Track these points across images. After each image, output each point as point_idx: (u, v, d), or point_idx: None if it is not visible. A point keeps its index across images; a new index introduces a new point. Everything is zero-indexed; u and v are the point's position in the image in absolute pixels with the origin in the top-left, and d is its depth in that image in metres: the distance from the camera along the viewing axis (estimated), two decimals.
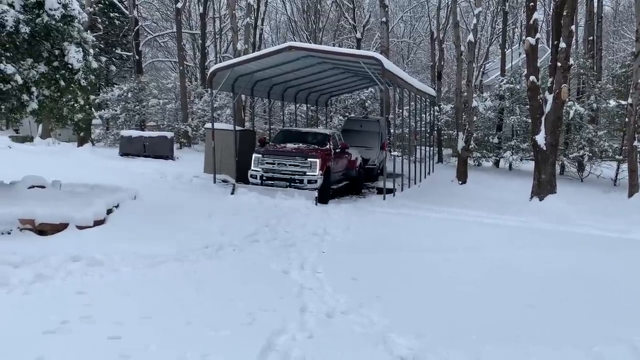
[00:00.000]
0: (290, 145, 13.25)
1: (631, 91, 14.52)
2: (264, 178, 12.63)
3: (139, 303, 4.86)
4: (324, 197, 12.25)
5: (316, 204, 11.68)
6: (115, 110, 23.77)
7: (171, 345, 3.95)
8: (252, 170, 12.82)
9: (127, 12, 26.62)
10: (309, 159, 12.54)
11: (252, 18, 26.70)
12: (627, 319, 5.14)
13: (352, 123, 17.91)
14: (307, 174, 12.42)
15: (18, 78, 7.57)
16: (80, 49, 8.37)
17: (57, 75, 8.20)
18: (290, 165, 12.64)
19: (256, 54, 14.95)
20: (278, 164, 12.69)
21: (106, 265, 5.94)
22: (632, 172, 14.31)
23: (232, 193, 12.26)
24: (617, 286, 6.37)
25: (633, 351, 4.27)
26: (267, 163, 12.74)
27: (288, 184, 12.42)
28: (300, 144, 13.33)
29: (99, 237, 7.03)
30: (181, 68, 25.12)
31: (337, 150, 13.56)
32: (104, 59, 11.45)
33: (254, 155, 12.92)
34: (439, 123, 22.28)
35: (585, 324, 4.99)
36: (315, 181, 12.38)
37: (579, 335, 4.66)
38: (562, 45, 12.99)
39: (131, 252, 6.44)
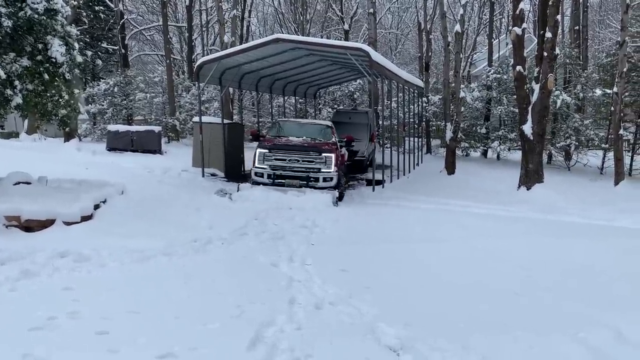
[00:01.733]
0: (295, 139, 12.14)
1: (616, 80, 14.64)
2: (273, 176, 11.39)
3: (126, 298, 4.84)
4: (340, 196, 11.40)
5: (336, 204, 10.74)
6: (102, 105, 23.56)
7: (159, 339, 3.95)
8: (257, 167, 11.54)
9: (112, 5, 26.32)
10: (323, 154, 11.41)
11: (239, 10, 26.56)
12: (613, 306, 5.21)
13: (341, 115, 17.89)
14: (322, 170, 11.36)
15: (1, 72, 7.47)
16: (64, 43, 8.29)
17: (41, 69, 8.11)
18: (303, 161, 11.41)
19: (243, 46, 14.87)
20: (289, 160, 11.42)
21: (93, 260, 5.91)
22: (618, 161, 14.46)
23: (231, 197, 10.95)
24: (603, 273, 6.45)
25: (617, 336, 4.34)
26: (276, 159, 11.46)
27: (303, 182, 11.27)
28: (305, 137, 12.26)
29: (86, 233, 6.99)
30: (168, 61, 24.92)
31: (341, 144, 12.62)
32: (89, 53, 11.28)
33: (257, 151, 11.63)
34: (427, 114, 22.31)
35: (571, 311, 5.05)
36: (331, 178, 11.36)
37: (565, 322, 4.71)
38: (548, 35, 13.05)
39: (119, 247, 6.41)
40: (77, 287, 5.02)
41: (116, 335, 3.98)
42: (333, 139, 12.41)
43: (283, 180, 11.33)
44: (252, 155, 11.99)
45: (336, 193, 11.03)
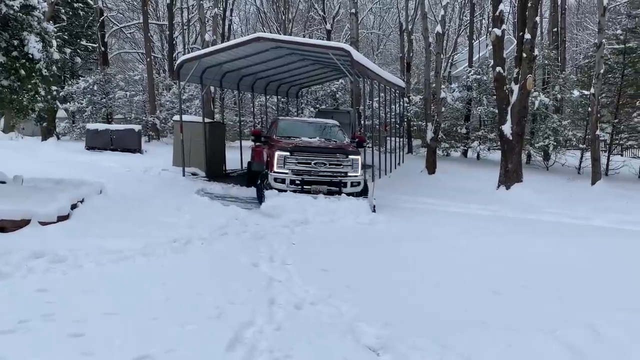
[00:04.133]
0: (313, 140, 11.20)
1: (593, 81, 14.87)
2: (297, 182, 10.14)
3: (103, 299, 4.76)
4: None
5: (374, 211, 9.77)
6: (81, 103, 23.26)
7: (136, 341, 3.88)
8: (277, 172, 10.26)
9: (91, 2, 25.96)
10: (350, 157, 10.36)
11: (221, 9, 26.37)
12: (589, 304, 5.28)
13: (323, 115, 17.88)
14: (349, 175, 10.32)
15: None
16: (41, 40, 8.14)
17: (17, 65, 7.95)
18: (330, 165, 10.29)
19: (225, 44, 14.77)
20: (315, 163, 10.24)
21: (69, 261, 5.79)
22: (595, 161, 14.69)
23: (262, 201, 9.73)
24: (580, 272, 6.53)
25: (593, 334, 4.39)
26: (300, 163, 10.24)
27: (330, 188, 10.19)
28: (319, 138, 11.40)
29: (62, 233, 6.86)
30: (148, 60, 24.68)
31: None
32: (68, 50, 11.14)
33: (276, 154, 10.29)
34: (409, 114, 22.43)
35: (549, 309, 5.10)
36: (359, 183, 10.39)
37: (543, 320, 4.76)
38: (527, 36, 13.21)
39: (96, 247, 6.30)
40: (51, 288, 4.92)
41: (91, 337, 3.90)
42: (347, 139, 11.63)
43: (309, 187, 10.14)
44: (246, 155, 11.26)
45: (373, 200, 9.99)
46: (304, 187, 10.14)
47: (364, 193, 10.45)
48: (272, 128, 12.49)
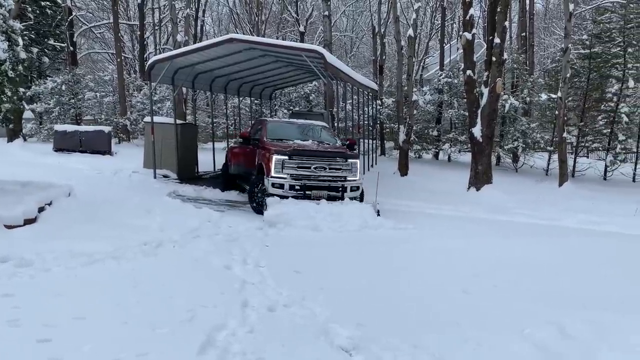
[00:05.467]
0: (308, 143, 10.85)
1: (560, 85, 15.25)
2: (300, 188, 9.75)
3: (72, 304, 4.66)
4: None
5: (379, 215, 9.51)
6: (49, 104, 22.72)
7: (106, 346, 3.82)
8: (274, 177, 9.81)
9: (59, 1, 25.42)
10: (349, 160, 10.10)
11: (193, 9, 26.15)
12: (557, 302, 5.39)
13: (297, 116, 17.86)
14: (349, 179, 10.04)
15: None
16: (6, 38, 7.93)
17: None
18: (330, 169, 9.97)
19: (197, 45, 14.66)
20: (315, 168, 9.89)
21: (37, 265, 5.65)
22: (562, 163, 15.07)
23: (264, 210, 9.24)
24: (548, 271, 6.67)
25: (560, 332, 4.49)
26: (299, 167, 9.86)
27: (331, 194, 9.84)
28: (312, 141, 11.05)
29: (29, 237, 6.69)
30: (119, 60, 24.30)
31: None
32: (35, 49, 10.87)
33: (274, 158, 9.84)
34: (381, 116, 22.62)
35: (518, 308, 5.20)
36: (358, 188, 10.13)
37: (512, 319, 4.85)
38: (497, 40, 13.46)
39: (64, 251, 6.16)
40: (18, 293, 4.79)
41: (59, 342, 3.82)
42: (338, 142, 11.34)
43: (309, 192, 9.76)
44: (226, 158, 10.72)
45: (377, 205, 9.71)
46: (305, 192, 9.74)
47: (361, 197, 10.26)
48: (260, 130, 11.79)
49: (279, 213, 8.95)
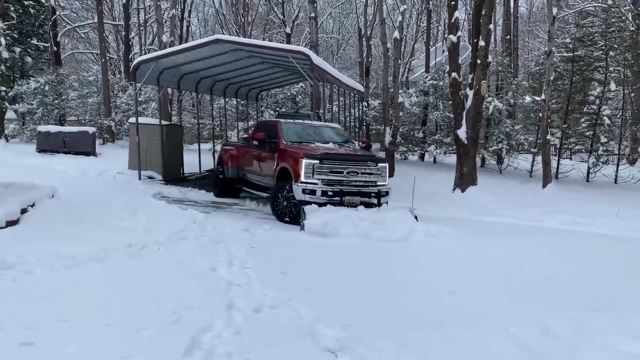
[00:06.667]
0: (328, 146, 10.53)
1: (544, 88, 15.43)
2: (330, 194, 9.27)
3: (55, 306, 4.61)
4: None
5: (417, 220, 9.23)
6: (32, 104, 22.44)
7: (90, 349, 3.78)
8: (305, 183, 9.32)
9: (43, 0, 25.14)
10: (379, 164, 9.85)
11: (179, 10, 26.02)
12: (542, 303, 5.45)
13: (283, 118, 17.84)
14: (379, 184, 9.80)
15: None
16: None
17: None
18: (362, 174, 9.62)
19: (182, 46, 14.60)
20: (348, 172, 9.48)
21: (19, 267, 5.58)
22: (546, 164, 15.23)
23: (302, 226, 8.57)
24: (532, 272, 6.73)
25: (544, 331, 4.54)
26: (331, 172, 9.41)
27: (364, 199, 9.47)
28: (332, 144, 10.73)
29: (11, 238, 6.62)
30: (103, 60, 24.10)
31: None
32: (18, 49, 10.73)
33: (304, 162, 9.33)
34: (368, 118, 22.69)
35: (502, 309, 5.24)
36: (387, 193, 9.84)
37: (497, 319, 4.89)
38: (482, 43, 13.58)
39: (48, 252, 6.10)
40: None
41: (42, 346, 3.78)
42: (357, 145, 11.04)
43: (342, 199, 9.31)
44: (222, 159, 10.20)
45: (415, 211, 9.45)
46: (339, 198, 9.28)
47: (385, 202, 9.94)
48: (271, 132, 11.00)
49: (323, 222, 8.38)
